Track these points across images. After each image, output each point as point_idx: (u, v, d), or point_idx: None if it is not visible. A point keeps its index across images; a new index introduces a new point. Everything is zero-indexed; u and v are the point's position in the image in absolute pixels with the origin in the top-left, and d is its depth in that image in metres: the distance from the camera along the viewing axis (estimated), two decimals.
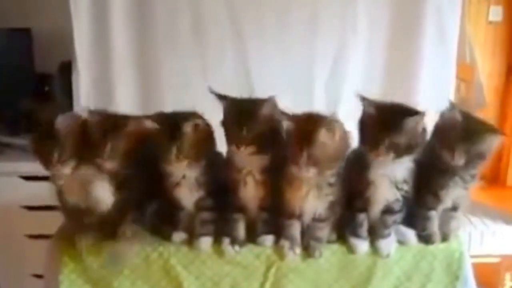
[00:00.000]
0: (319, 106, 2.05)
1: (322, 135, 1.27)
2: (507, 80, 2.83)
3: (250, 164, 1.39)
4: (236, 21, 2.06)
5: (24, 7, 2.46)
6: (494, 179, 2.72)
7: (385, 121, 1.31)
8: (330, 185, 1.37)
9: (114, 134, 1.35)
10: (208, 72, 2.08)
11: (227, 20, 2.06)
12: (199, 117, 1.40)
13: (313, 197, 1.37)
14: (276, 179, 1.39)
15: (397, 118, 1.30)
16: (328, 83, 2.14)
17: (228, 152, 1.41)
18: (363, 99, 1.36)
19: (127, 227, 1.43)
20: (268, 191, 1.42)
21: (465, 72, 2.24)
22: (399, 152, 1.31)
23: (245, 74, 2.10)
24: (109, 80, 2.05)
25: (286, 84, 2.07)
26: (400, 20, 2.09)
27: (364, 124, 1.37)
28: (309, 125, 1.29)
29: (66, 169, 1.34)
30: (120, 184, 1.40)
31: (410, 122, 1.30)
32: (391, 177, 1.38)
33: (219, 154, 1.47)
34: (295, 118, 1.32)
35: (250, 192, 1.42)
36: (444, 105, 1.40)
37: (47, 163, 1.33)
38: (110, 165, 1.37)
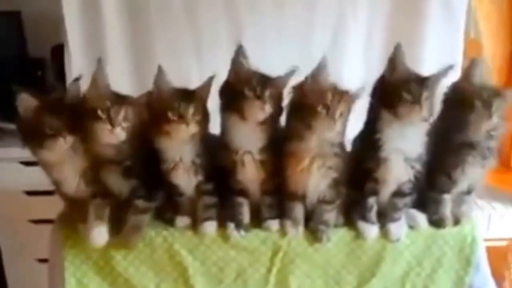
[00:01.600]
0: None
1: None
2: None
3: (249, 141, 1.33)
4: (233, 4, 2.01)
5: None
6: (499, 162, 2.66)
7: (417, 75, 1.27)
8: (336, 155, 1.32)
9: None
10: (202, 52, 2.04)
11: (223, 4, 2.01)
12: None
13: (317, 170, 1.32)
14: (277, 158, 1.34)
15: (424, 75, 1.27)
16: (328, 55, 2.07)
17: (225, 128, 1.35)
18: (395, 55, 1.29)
19: (134, 214, 1.39)
20: (269, 172, 1.37)
21: (470, 48, 2.17)
22: (431, 111, 1.27)
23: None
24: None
25: (282, 63, 1.99)
26: None
27: (390, 81, 1.29)
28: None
29: (64, 144, 1.26)
30: (126, 171, 1.36)
31: (439, 76, 1.27)
32: (405, 152, 1.32)
33: (212, 135, 1.41)
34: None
35: (250, 174, 1.36)
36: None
37: (41, 137, 1.24)
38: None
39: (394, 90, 1.27)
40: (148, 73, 2.00)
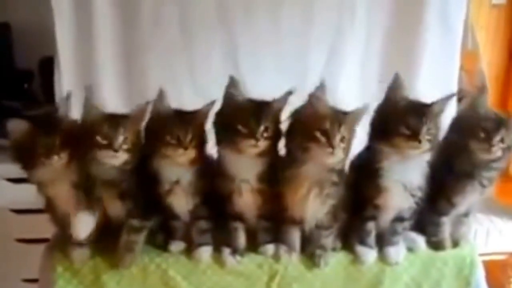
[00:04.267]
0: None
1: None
2: (509, 68, 2.71)
3: (245, 170, 1.30)
4: (224, 10, 1.96)
5: (1, 1, 2.33)
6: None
7: (418, 106, 1.24)
8: (334, 184, 1.28)
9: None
10: (195, 66, 1.99)
11: (214, 11, 1.96)
12: None
13: (314, 197, 1.29)
14: (275, 185, 1.31)
15: (425, 103, 1.24)
16: (323, 74, 2.03)
17: (221, 157, 1.32)
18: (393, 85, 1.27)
19: (128, 234, 1.36)
20: (266, 199, 1.34)
21: (467, 60, 2.14)
22: (433, 142, 1.23)
23: (234, 67, 1.99)
24: (93, 77, 1.95)
25: (279, 75, 1.98)
26: (401, 6, 1.99)
27: (388, 113, 1.26)
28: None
29: (58, 161, 1.25)
30: (123, 193, 1.33)
31: (440, 105, 1.24)
32: (406, 182, 1.30)
33: (209, 158, 1.37)
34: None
35: (247, 201, 1.34)
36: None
37: (35, 156, 1.23)
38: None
39: (393, 123, 1.24)
40: (139, 86, 2.01)
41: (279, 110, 1.28)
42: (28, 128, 1.25)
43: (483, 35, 2.48)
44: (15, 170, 1.31)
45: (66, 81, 1.93)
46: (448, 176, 1.34)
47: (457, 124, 1.33)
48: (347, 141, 1.23)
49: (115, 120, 1.26)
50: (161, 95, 1.28)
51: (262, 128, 1.23)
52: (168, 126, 1.26)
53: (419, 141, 1.21)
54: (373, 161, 1.29)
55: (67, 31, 1.91)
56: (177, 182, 1.32)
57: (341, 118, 1.21)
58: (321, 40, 2.02)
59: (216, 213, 1.39)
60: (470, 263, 1.44)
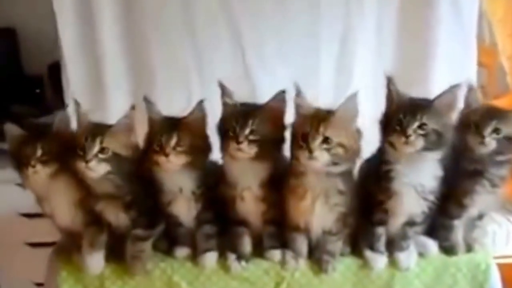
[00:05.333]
0: (325, 92, 1.94)
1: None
2: None
3: (247, 177, 1.28)
4: (230, 4, 1.93)
5: (7, 6, 2.32)
6: None
7: (414, 102, 1.21)
8: (340, 192, 1.25)
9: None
10: (202, 62, 1.96)
11: (219, 5, 1.93)
12: None
13: (320, 207, 1.25)
14: (278, 192, 1.28)
15: (426, 99, 1.21)
16: (335, 68, 2.00)
17: (223, 164, 1.30)
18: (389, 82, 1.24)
19: (133, 243, 1.34)
20: (271, 205, 1.31)
21: (485, 56, 2.07)
22: (430, 140, 1.18)
23: (241, 62, 1.97)
24: (99, 79, 1.94)
25: (287, 71, 1.93)
26: None
27: (390, 113, 1.24)
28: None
29: (45, 170, 1.24)
30: (127, 205, 1.31)
31: (443, 99, 1.20)
32: (417, 186, 1.25)
33: (213, 163, 1.35)
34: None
35: (250, 208, 1.32)
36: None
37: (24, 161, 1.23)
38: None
39: (390, 122, 1.22)
40: (146, 89, 1.99)
41: (276, 111, 1.25)
42: (19, 135, 1.25)
43: (501, 29, 2.39)
44: None
45: (73, 84, 1.92)
46: (457, 177, 1.30)
47: (458, 124, 1.29)
48: (337, 144, 1.17)
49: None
50: (148, 103, 1.29)
51: (246, 131, 1.21)
52: (154, 133, 1.25)
53: (407, 136, 1.17)
54: (383, 164, 1.25)
55: (71, 33, 1.90)
56: (180, 191, 1.31)
57: (320, 119, 1.17)
58: (330, 33, 1.97)
59: (221, 218, 1.37)
60: (485, 269, 1.38)
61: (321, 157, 1.16)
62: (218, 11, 1.94)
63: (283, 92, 1.25)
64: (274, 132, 1.25)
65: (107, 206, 1.31)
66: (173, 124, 1.25)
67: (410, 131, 1.17)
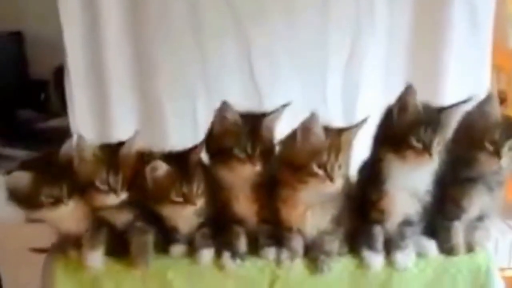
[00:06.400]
0: (332, 100, 1.94)
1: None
2: None
3: (240, 181, 1.28)
4: (237, 8, 1.90)
5: (13, 9, 2.31)
6: None
7: (429, 115, 1.17)
8: (333, 199, 1.24)
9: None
10: (208, 67, 1.93)
11: (226, 7, 1.90)
12: None
13: (313, 214, 1.25)
14: (270, 195, 1.28)
15: (437, 109, 1.19)
16: (342, 77, 1.97)
17: (215, 172, 1.30)
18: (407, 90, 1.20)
19: (138, 240, 1.35)
20: (264, 205, 1.31)
21: (506, 60, 2.04)
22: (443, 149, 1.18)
23: (248, 68, 1.95)
24: (103, 84, 1.93)
25: (294, 77, 1.92)
26: (424, 1, 1.90)
27: (398, 122, 1.20)
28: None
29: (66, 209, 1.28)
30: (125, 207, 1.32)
31: (452, 113, 1.18)
32: (411, 189, 1.24)
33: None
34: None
35: (244, 208, 1.32)
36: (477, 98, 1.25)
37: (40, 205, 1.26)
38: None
39: (403, 133, 1.17)
40: (152, 93, 2.00)
41: (273, 123, 1.27)
42: (29, 178, 1.24)
43: None
44: None
45: (77, 88, 1.91)
46: (454, 181, 1.28)
47: (463, 131, 1.25)
48: (346, 162, 1.19)
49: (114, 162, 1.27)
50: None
51: (257, 150, 1.22)
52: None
53: (430, 155, 1.15)
54: (377, 169, 1.24)
55: (76, 37, 1.89)
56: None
57: (338, 147, 1.17)
58: (339, 40, 1.94)
59: (219, 218, 1.36)
60: (486, 271, 1.35)
61: (338, 181, 1.17)
62: (225, 13, 1.91)
63: (284, 106, 1.26)
64: (270, 143, 1.27)
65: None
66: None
67: (434, 149, 1.15)
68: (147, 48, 1.93)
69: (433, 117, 1.18)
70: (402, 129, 1.18)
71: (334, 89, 1.97)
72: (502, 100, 2.11)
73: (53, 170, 1.26)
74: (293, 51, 1.93)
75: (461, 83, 1.90)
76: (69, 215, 1.30)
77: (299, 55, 1.94)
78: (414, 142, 1.16)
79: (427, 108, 1.20)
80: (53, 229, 1.39)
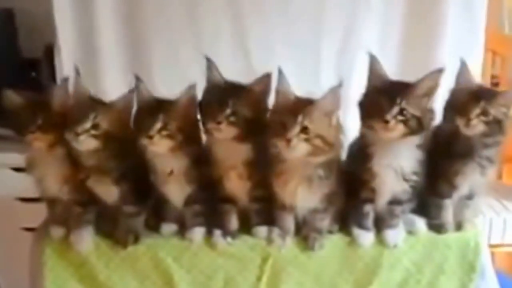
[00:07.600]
0: (326, 83, 1.93)
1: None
2: None
3: (231, 156, 1.26)
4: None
5: None
6: None
7: (395, 85, 1.17)
8: (321, 177, 1.22)
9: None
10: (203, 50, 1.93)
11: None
12: None
13: (303, 191, 1.24)
14: (263, 172, 1.26)
15: (407, 83, 1.17)
16: (337, 59, 1.97)
17: (207, 141, 1.29)
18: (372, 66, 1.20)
19: (126, 222, 1.35)
20: (256, 183, 1.29)
21: (502, 45, 2.04)
22: (409, 126, 1.15)
23: (245, 53, 1.95)
24: (94, 63, 1.90)
25: (289, 60, 1.89)
26: None
27: (370, 96, 1.20)
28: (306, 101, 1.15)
29: (44, 138, 1.25)
30: (117, 179, 1.30)
31: (424, 83, 1.15)
32: (397, 168, 1.23)
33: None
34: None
35: (236, 186, 1.30)
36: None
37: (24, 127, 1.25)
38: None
39: (369, 105, 1.18)
40: (144, 73, 1.97)
41: (259, 94, 1.23)
42: (20, 102, 1.26)
43: None
44: (21, 159, 1.33)
45: (67, 66, 1.87)
46: (447, 158, 1.28)
47: (447, 104, 1.26)
48: (317, 132, 1.13)
49: (90, 105, 1.24)
50: (138, 81, 1.26)
51: (227, 111, 1.19)
52: (141, 114, 1.24)
53: (386, 122, 1.14)
54: (363, 146, 1.24)
55: (67, 16, 1.86)
56: (171, 173, 1.29)
57: (300, 108, 1.13)
58: (334, 24, 1.94)
59: (210, 196, 1.35)
60: (474, 247, 1.37)
61: (298, 147, 1.13)
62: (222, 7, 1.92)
63: (267, 75, 1.22)
64: (255, 114, 1.23)
65: (97, 180, 1.30)
66: (160, 106, 1.22)
67: (389, 116, 1.14)
68: (138, 24, 1.91)
69: (397, 87, 1.17)
70: (371, 102, 1.19)
71: (328, 72, 1.97)
72: (495, 84, 2.13)
73: (41, 106, 1.27)
74: (288, 28, 1.93)
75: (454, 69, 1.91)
76: (44, 157, 1.29)
77: (294, 32, 1.94)
78: (375, 111, 1.16)
79: (395, 81, 1.20)
80: (39, 190, 1.36)
